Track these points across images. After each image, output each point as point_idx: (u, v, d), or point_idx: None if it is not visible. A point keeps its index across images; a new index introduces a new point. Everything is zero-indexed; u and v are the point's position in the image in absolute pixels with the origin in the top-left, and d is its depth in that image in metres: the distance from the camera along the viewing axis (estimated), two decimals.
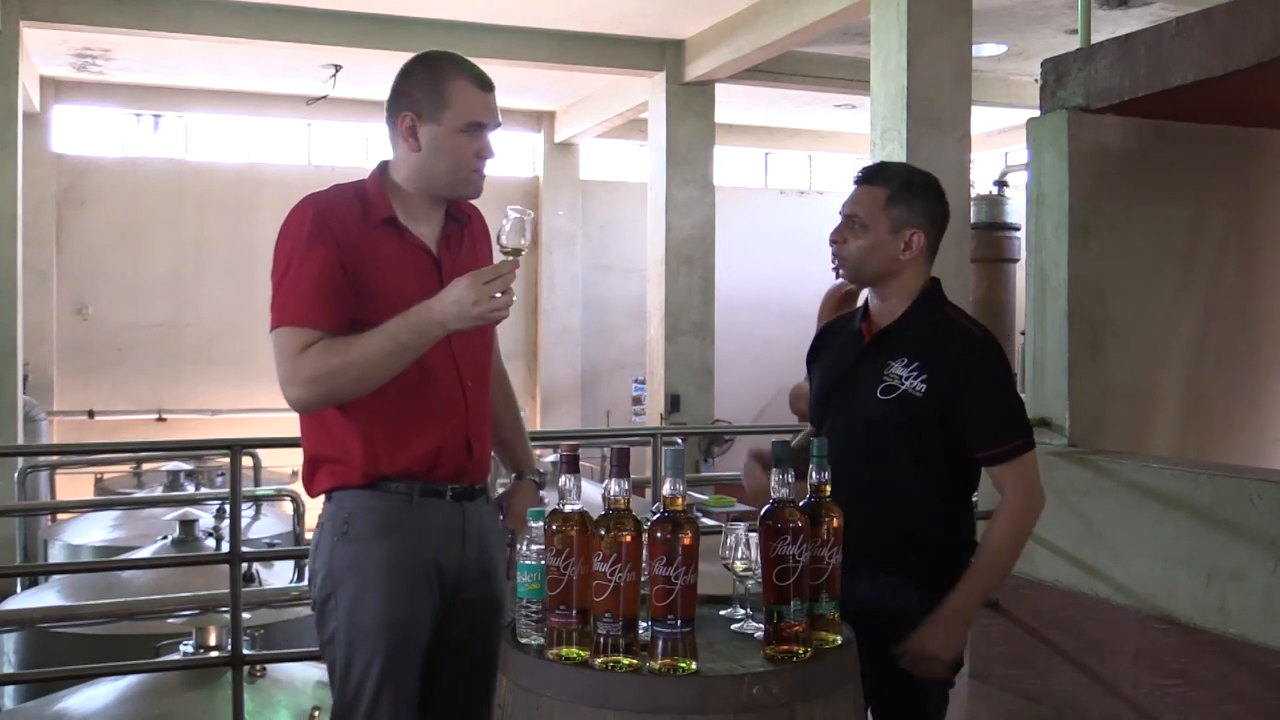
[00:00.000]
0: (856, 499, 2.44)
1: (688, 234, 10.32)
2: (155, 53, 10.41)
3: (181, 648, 3.87)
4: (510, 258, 2.25)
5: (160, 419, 12.16)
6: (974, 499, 2.76)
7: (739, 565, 2.23)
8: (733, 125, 12.87)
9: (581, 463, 2.56)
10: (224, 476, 7.95)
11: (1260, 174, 5.18)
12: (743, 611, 2.30)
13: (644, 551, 1.94)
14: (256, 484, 7.61)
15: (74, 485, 9.68)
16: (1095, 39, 5.16)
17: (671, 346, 10.30)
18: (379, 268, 2.33)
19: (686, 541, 1.92)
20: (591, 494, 2.68)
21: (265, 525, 6.73)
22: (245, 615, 3.77)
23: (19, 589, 6.24)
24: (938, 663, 2.51)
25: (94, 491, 9.38)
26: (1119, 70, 4.62)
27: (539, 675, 2.00)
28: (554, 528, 1.99)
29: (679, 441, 6.08)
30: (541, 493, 2.64)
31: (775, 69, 9.93)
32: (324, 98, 11.40)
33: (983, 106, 8.80)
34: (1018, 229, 9.59)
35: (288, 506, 6.75)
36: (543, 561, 2.04)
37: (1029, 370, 4.91)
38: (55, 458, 8.69)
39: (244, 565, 4.01)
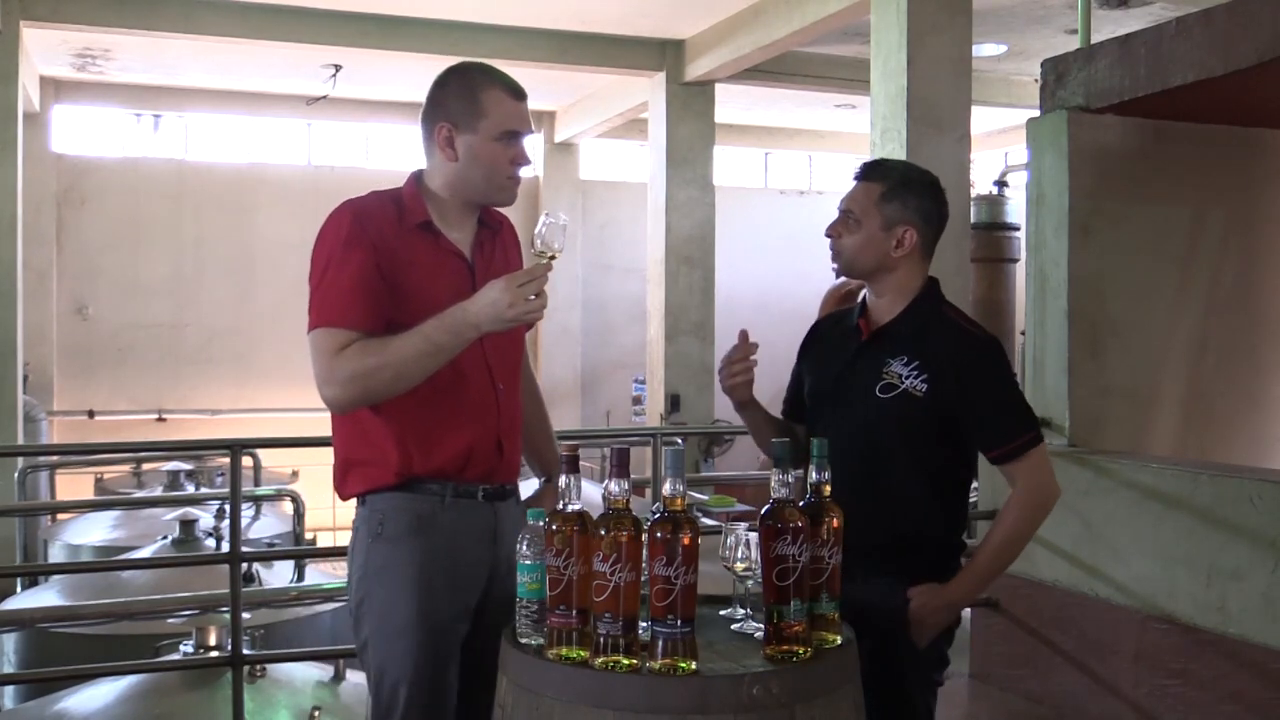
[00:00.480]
0: (853, 498, 2.44)
1: (688, 234, 10.32)
2: (155, 53, 10.41)
3: (181, 648, 3.87)
4: (544, 261, 2.28)
5: (160, 419, 12.16)
6: (971, 499, 2.76)
7: (739, 565, 2.24)
8: (733, 125, 12.87)
9: (581, 463, 2.56)
10: (224, 476, 7.95)
11: (1260, 174, 5.18)
12: (743, 611, 2.30)
13: (644, 551, 1.94)
14: (256, 484, 7.61)
15: (74, 485, 9.67)
16: (1095, 39, 5.16)
17: (671, 346, 10.31)
18: (414, 271, 2.37)
19: (686, 541, 1.92)
20: (591, 494, 2.69)
21: (265, 525, 6.73)
22: (245, 615, 3.77)
23: (19, 589, 6.24)
24: (919, 637, 2.53)
25: (94, 491, 9.37)
26: (1119, 70, 4.62)
27: (539, 675, 2.00)
28: (554, 528, 1.99)
29: (679, 441, 6.08)
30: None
31: (775, 69, 9.93)
32: (324, 98, 11.41)
33: (983, 106, 8.80)
34: (1018, 229, 9.59)
35: (288, 506, 6.76)
36: (542, 561, 2.04)
37: (1029, 370, 4.91)
38: (55, 458, 8.69)
39: (244, 565, 4.01)
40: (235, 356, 12.25)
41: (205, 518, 5.70)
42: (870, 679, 2.44)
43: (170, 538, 5.49)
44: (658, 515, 1.95)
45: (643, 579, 1.95)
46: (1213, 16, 4.24)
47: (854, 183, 2.67)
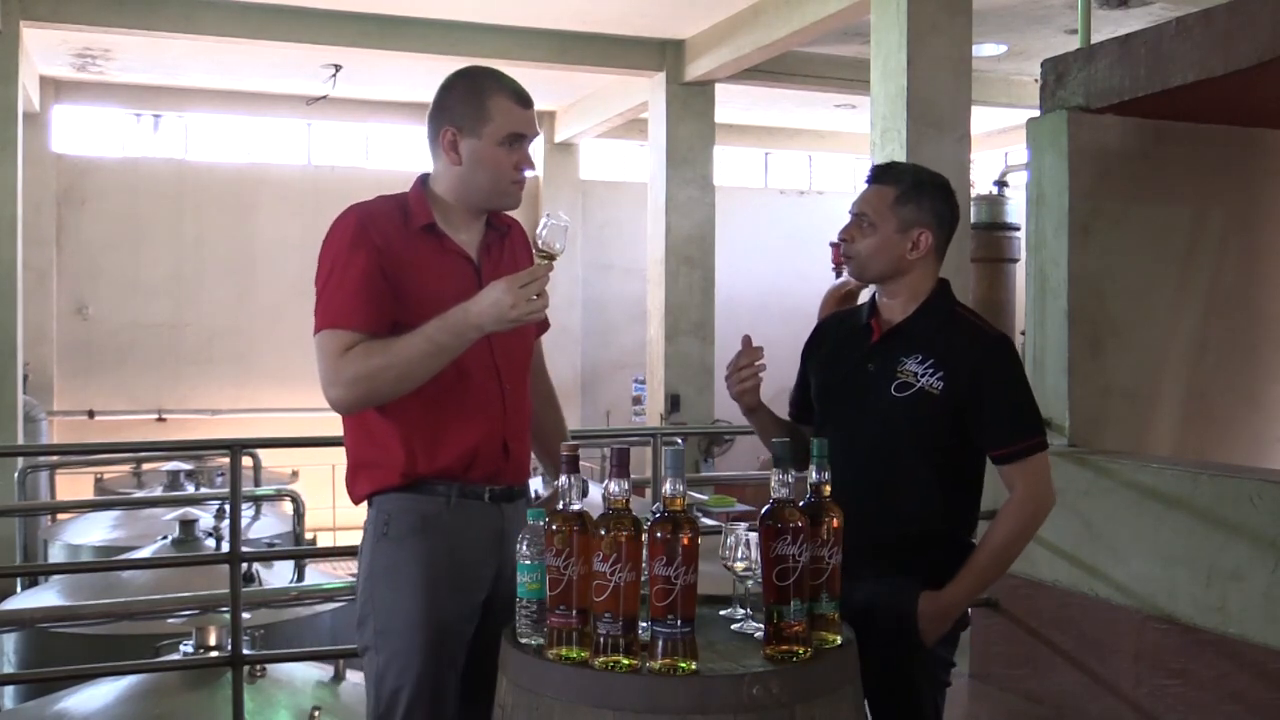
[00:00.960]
0: (865, 496, 2.45)
1: (688, 234, 10.32)
2: (155, 53, 10.41)
3: (181, 648, 3.87)
4: (545, 261, 2.29)
5: (160, 419, 12.16)
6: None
7: (739, 565, 2.24)
8: (733, 125, 12.87)
9: (581, 463, 2.56)
10: (224, 476, 7.95)
11: (1260, 174, 5.18)
12: (743, 611, 2.30)
13: (644, 551, 1.94)
14: (256, 484, 7.61)
15: (74, 485, 9.67)
16: (1095, 39, 5.16)
17: (671, 346, 10.30)
18: (419, 273, 2.38)
19: (686, 541, 1.92)
20: (591, 494, 2.68)
21: (265, 525, 6.72)
22: (245, 615, 3.77)
23: (19, 589, 6.23)
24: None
25: (94, 491, 9.36)
26: (1119, 70, 4.62)
27: (539, 675, 2.00)
28: (554, 528, 1.99)
29: (679, 441, 6.08)
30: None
31: (775, 69, 9.93)
32: (324, 98, 11.41)
33: (983, 106, 8.80)
34: (1018, 229, 9.58)
35: (288, 506, 6.75)
36: (542, 561, 2.04)
37: (1029, 370, 4.91)
38: (55, 458, 8.68)
39: (244, 565, 4.01)
40: (235, 356, 12.25)
41: (205, 518, 5.70)
42: (879, 679, 2.45)
43: (170, 538, 5.49)
44: (658, 515, 1.95)
45: (643, 579, 1.95)
46: (1213, 16, 4.24)
47: (865, 185, 2.67)
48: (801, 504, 2.10)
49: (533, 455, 2.67)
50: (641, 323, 11.21)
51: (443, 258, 2.44)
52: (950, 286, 2.70)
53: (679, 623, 1.92)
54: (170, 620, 4.18)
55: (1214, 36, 4.22)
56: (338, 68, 10.65)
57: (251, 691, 3.68)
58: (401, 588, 2.35)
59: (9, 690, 5.03)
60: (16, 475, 7.73)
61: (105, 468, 9.61)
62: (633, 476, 2.27)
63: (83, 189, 12.12)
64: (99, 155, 12.34)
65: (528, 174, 2.50)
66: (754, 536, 2.16)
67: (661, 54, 10.12)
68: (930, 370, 2.53)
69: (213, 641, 3.83)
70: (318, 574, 5.38)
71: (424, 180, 2.51)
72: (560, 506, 2.02)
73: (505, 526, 2.44)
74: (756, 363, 2.64)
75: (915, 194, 2.61)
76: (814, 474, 2.16)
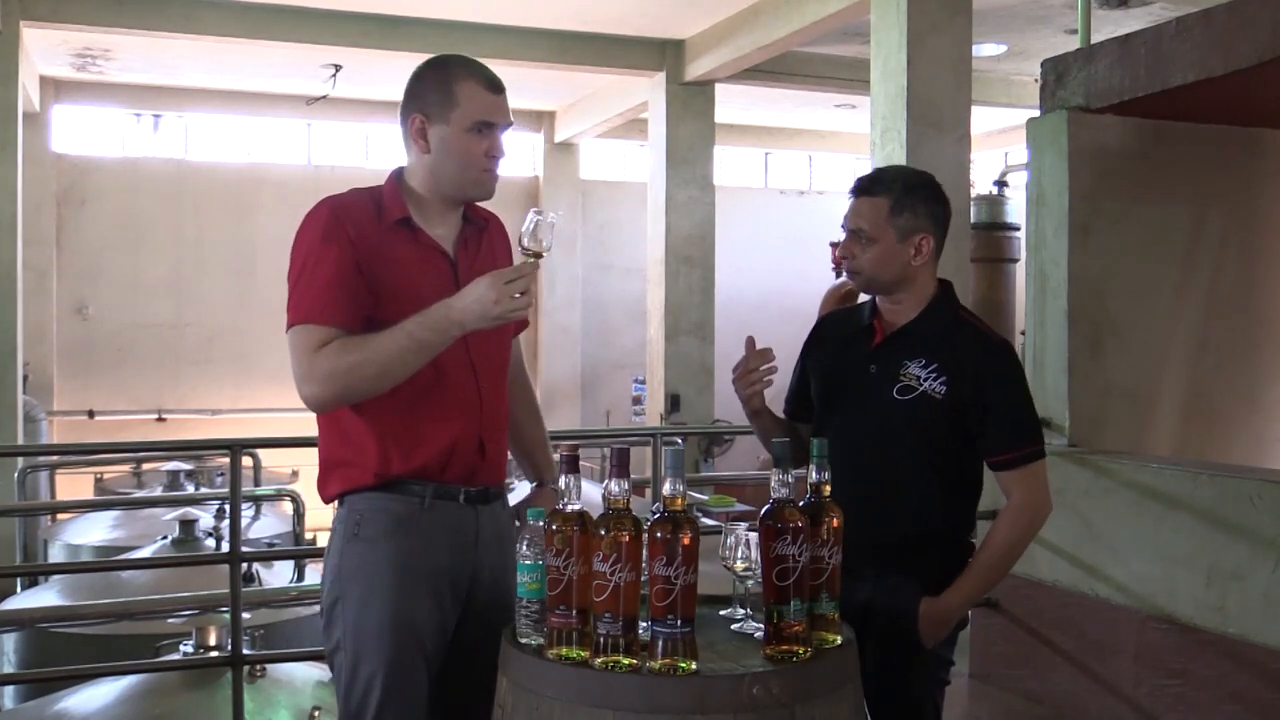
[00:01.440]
0: (867, 498, 2.45)
1: (688, 234, 10.32)
2: (155, 53, 10.41)
3: (181, 648, 3.87)
4: (531, 259, 2.26)
5: (160, 419, 12.16)
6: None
7: (739, 565, 2.23)
8: (733, 125, 12.86)
9: (581, 463, 2.55)
10: (224, 476, 7.95)
11: (1260, 174, 5.18)
12: (743, 611, 2.30)
13: (644, 551, 1.94)
14: (256, 484, 7.62)
15: (74, 485, 9.67)
16: (1095, 39, 5.16)
17: (671, 346, 10.30)
18: (394, 267, 2.33)
19: (686, 541, 1.92)
20: (591, 494, 2.68)
21: (265, 525, 6.73)
22: (245, 615, 3.77)
23: (19, 589, 6.23)
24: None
25: (94, 491, 9.37)
26: (1119, 70, 4.62)
27: (539, 675, 2.00)
28: (554, 528, 1.99)
29: (679, 441, 6.08)
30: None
31: (775, 69, 9.92)
32: (324, 98, 11.40)
33: (983, 106, 8.80)
34: (1018, 229, 9.58)
35: (288, 506, 6.75)
36: (542, 561, 2.04)
37: (1029, 370, 4.91)
38: (55, 458, 8.68)
39: (244, 565, 4.01)
40: (235, 356, 12.25)
41: (205, 518, 5.70)
42: (879, 679, 2.45)
43: (170, 538, 5.49)
44: (658, 515, 1.95)
45: (643, 579, 1.95)
46: (1213, 16, 4.24)
47: (852, 199, 2.65)
48: (801, 504, 2.09)
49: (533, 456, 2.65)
50: (641, 323, 11.21)
51: (417, 252, 2.38)
52: (953, 289, 2.69)
53: (679, 623, 1.92)
54: (170, 620, 4.18)
55: (1214, 36, 4.22)
56: (338, 68, 10.65)
57: (251, 691, 3.68)
58: (372, 590, 2.30)
59: (9, 690, 5.03)
60: (16, 475, 7.73)
61: (105, 468, 9.62)
62: (633, 476, 2.27)
63: (83, 189, 12.12)
64: (99, 155, 12.34)
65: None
66: (754, 536, 2.16)
67: (661, 54, 10.12)
68: (933, 374, 2.53)
69: (213, 641, 3.83)
70: (318, 574, 5.37)
71: (398, 173, 2.46)
72: (560, 506, 2.02)
73: (480, 528, 2.40)
74: (766, 365, 2.62)
75: (909, 200, 2.60)
76: (814, 474, 2.16)
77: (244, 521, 5.29)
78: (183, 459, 8.54)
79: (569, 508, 2.00)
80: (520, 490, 2.85)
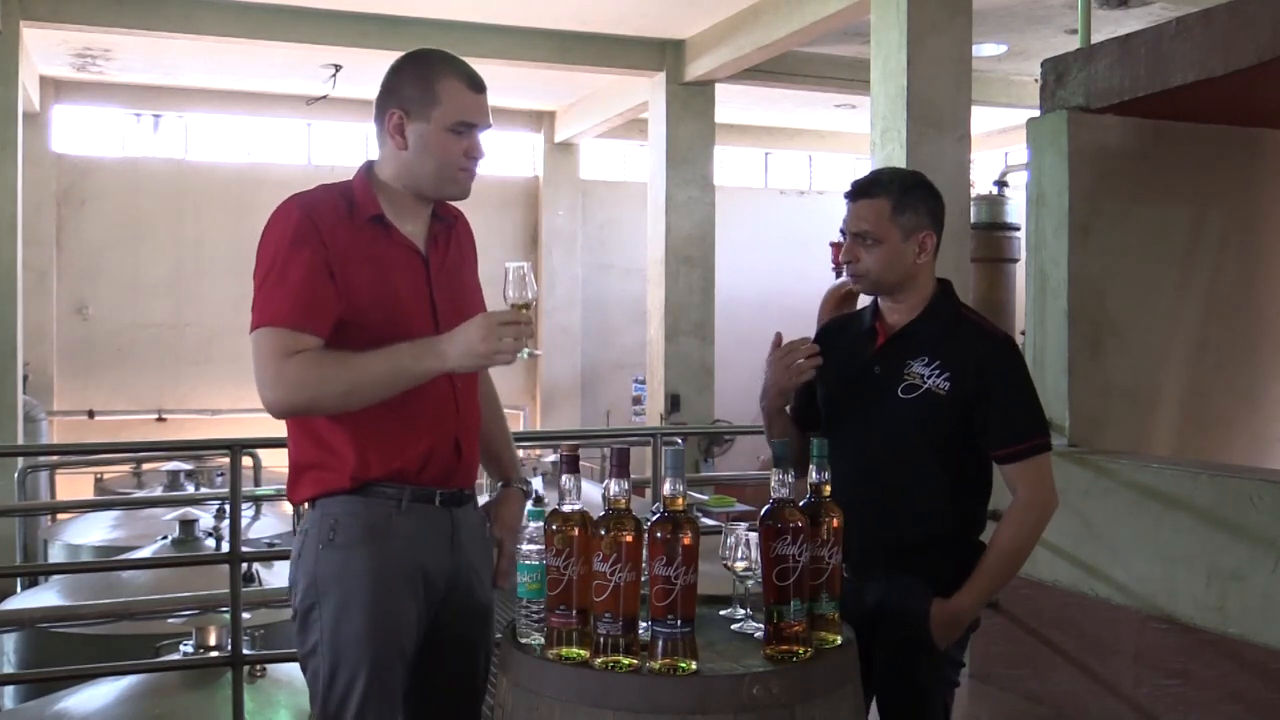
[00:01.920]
0: (876, 499, 2.46)
1: (688, 234, 10.32)
2: (155, 53, 10.41)
3: (181, 648, 3.86)
4: (523, 309, 2.22)
5: (160, 419, 12.16)
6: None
7: (739, 565, 2.23)
8: (733, 125, 12.87)
9: (581, 463, 2.55)
10: (224, 476, 7.95)
11: (1260, 174, 5.19)
12: (743, 611, 2.30)
13: (644, 551, 1.94)
14: (256, 484, 7.60)
15: (74, 485, 9.67)
16: (1095, 39, 5.16)
17: (671, 346, 10.30)
18: (366, 266, 2.29)
19: (686, 541, 1.92)
20: (591, 494, 2.68)
21: (265, 525, 6.72)
22: (245, 615, 3.77)
23: (19, 589, 6.23)
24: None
25: (94, 491, 9.37)
26: (1119, 70, 4.62)
27: (539, 675, 2.00)
28: (554, 528, 1.99)
29: (679, 441, 6.08)
30: (530, 500, 2.60)
31: (775, 69, 9.92)
32: (324, 98, 11.40)
33: (983, 106, 8.80)
34: (1018, 229, 9.57)
35: (288, 506, 6.74)
36: (543, 561, 2.04)
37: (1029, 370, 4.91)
38: (55, 458, 8.68)
39: (244, 565, 4.01)
40: (235, 356, 12.21)
41: (205, 518, 5.70)
42: (890, 679, 2.46)
43: (170, 538, 5.49)
44: (658, 515, 1.95)
45: (643, 579, 1.95)
46: (1213, 16, 4.24)
47: (852, 202, 2.65)
48: (801, 504, 2.10)
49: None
50: (641, 323, 11.21)
51: (391, 250, 2.34)
52: (952, 287, 2.70)
53: (679, 623, 1.92)
54: (170, 620, 4.18)
55: (1214, 36, 4.22)
56: (338, 68, 10.66)
57: (251, 691, 3.68)
58: (349, 597, 2.27)
59: (9, 690, 5.03)
60: (16, 475, 7.73)
61: (105, 468, 9.62)
62: (633, 476, 2.26)
63: (83, 189, 12.12)
64: (99, 155, 12.34)
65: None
66: (754, 536, 2.16)
67: (661, 54, 10.12)
68: (937, 371, 2.54)
69: (213, 641, 3.83)
70: None
71: (369, 167, 2.41)
72: (560, 506, 2.01)
73: (455, 530, 2.38)
74: (809, 349, 2.59)
75: (909, 199, 2.61)
76: (814, 474, 2.16)
77: (244, 521, 5.29)
78: (183, 459, 8.53)
79: (569, 508, 2.00)
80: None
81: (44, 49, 10.40)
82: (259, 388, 2.23)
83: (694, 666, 1.94)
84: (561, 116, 13.20)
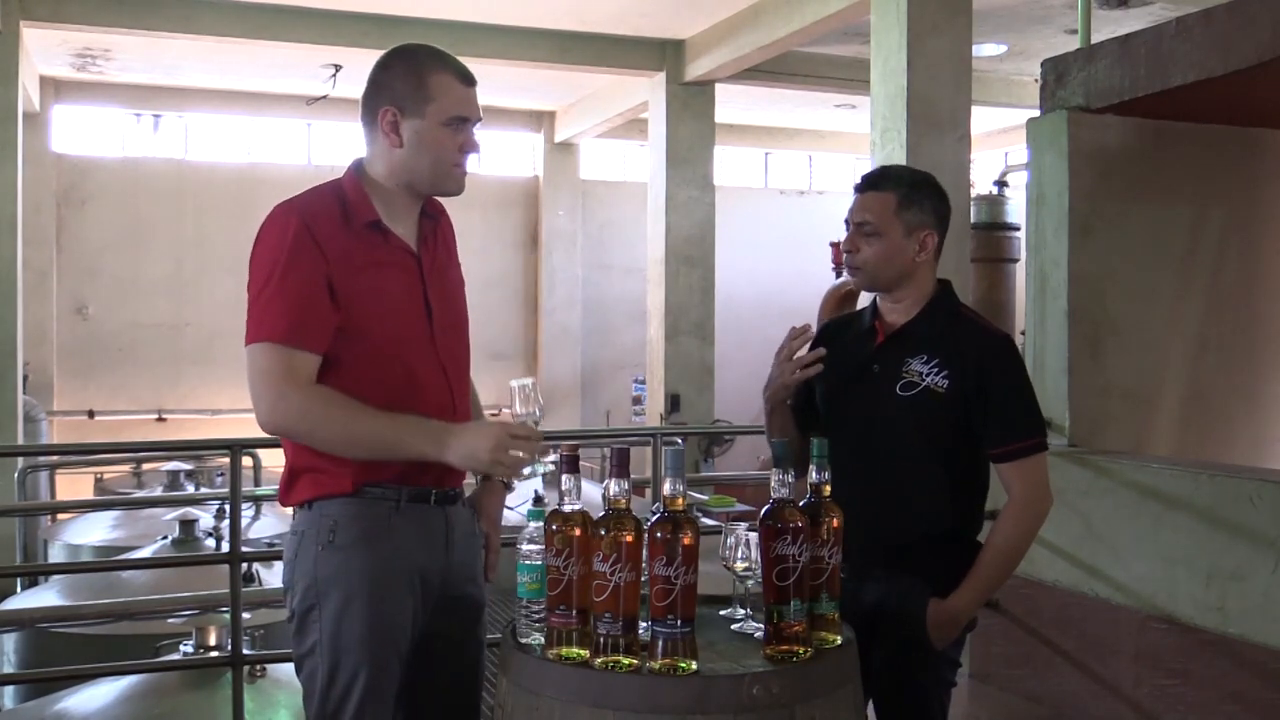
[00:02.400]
0: (874, 498, 2.46)
1: (688, 234, 10.32)
2: (155, 53, 10.41)
3: (181, 648, 3.86)
4: (533, 423, 2.23)
5: (160, 419, 12.16)
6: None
7: (739, 565, 2.23)
8: (733, 125, 12.87)
9: (581, 463, 2.55)
10: (224, 476, 7.95)
11: (1260, 174, 5.19)
12: (743, 611, 2.30)
13: (644, 551, 1.94)
14: (256, 484, 7.60)
15: (74, 485, 9.67)
16: (1095, 39, 5.16)
17: (671, 346, 10.30)
18: (365, 274, 2.28)
19: (686, 541, 1.92)
20: (591, 494, 2.68)
21: (265, 525, 6.72)
22: (245, 615, 3.76)
23: (19, 589, 6.23)
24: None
25: (94, 491, 9.37)
26: (1119, 70, 4.62)
27: (539, 675, 2.00)
28: (554, 528, 1.99)
29: (679, 441, 6.08)
30: (510, 495, 2.60)
31: (775, 69, 9.93)
32: (324, 98, 11.41)
33: (983, 106, 8.80)
34: (1018, 229, 9.58)
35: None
36: (543, 561, 2.04)
37: (1029, 370, 4.91)
38: (55, 458, 8.67)
39: (244, 565, 4.01)
40: (235, 356, 11.96)
41: (205, 518, 5.70)
42: (888, 679, 2.46)
43: (170, 538, 5.48)
44: (658, 515, 1.95)
45: (643, 579, 1.95)
46: (1213, 16, 4.24)
47: (858, 194, 2.66)
48: (801, 504, 2.10)
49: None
50: (641, 323, 11.21)
51: (388, 255, 2.33)
52: (951, 286, 2.71)
53: (679, 623, 1.92)
54: (170, 620, 4.17)
55: (1214, 36, 4.22)
56: (338, 68, 10.66)
57: (251, 691, 3.67)
58: (350, 598, 2.26)
59: (9, 690, 5.03)
60: (16, 475, 7.73)
61: (105, 468, 9.61)
62: (633, 476, 2.26)
63: (83, 189, 12.12)
64: (99, 155, 12.34)
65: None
66: (754, 536, 2.16)
67: (661, 54, 10.13)
68: (935, 369, 2.55)
69: (213, 641, 3.82)
70: None
71: (359, 166, 2.39)
72: (560, 506, 2.02)
73: (450, 528, 2.38)
74: (803, 340, 2.59)
75: (915, 196, 2.61)
76: (814, 474, 2.16)
77: (244, 521, 5.28)
78: (183, 459, 8.53)
79: (569, 508, 2.00)
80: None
81: (44, 49, 10.40)
82: (255, 401, 2.24)
83: (694, 666, 1.94)
84: (561, 116, 13.20)
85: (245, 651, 3.69)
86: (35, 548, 7.16)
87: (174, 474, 8.23)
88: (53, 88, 11.93)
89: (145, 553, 5.56)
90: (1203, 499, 4.05)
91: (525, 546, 2.10)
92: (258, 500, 6.80)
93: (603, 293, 13.77)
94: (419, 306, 2.36)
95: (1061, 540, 4.51)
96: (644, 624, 1.98)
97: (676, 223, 10.30)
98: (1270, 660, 3.78)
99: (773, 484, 2.08)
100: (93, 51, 10.59)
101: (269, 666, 3.83)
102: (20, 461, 8.03)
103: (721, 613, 2.33)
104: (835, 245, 9.78)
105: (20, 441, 8.82)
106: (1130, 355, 4.85)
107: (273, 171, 12.60)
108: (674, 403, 10.26)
